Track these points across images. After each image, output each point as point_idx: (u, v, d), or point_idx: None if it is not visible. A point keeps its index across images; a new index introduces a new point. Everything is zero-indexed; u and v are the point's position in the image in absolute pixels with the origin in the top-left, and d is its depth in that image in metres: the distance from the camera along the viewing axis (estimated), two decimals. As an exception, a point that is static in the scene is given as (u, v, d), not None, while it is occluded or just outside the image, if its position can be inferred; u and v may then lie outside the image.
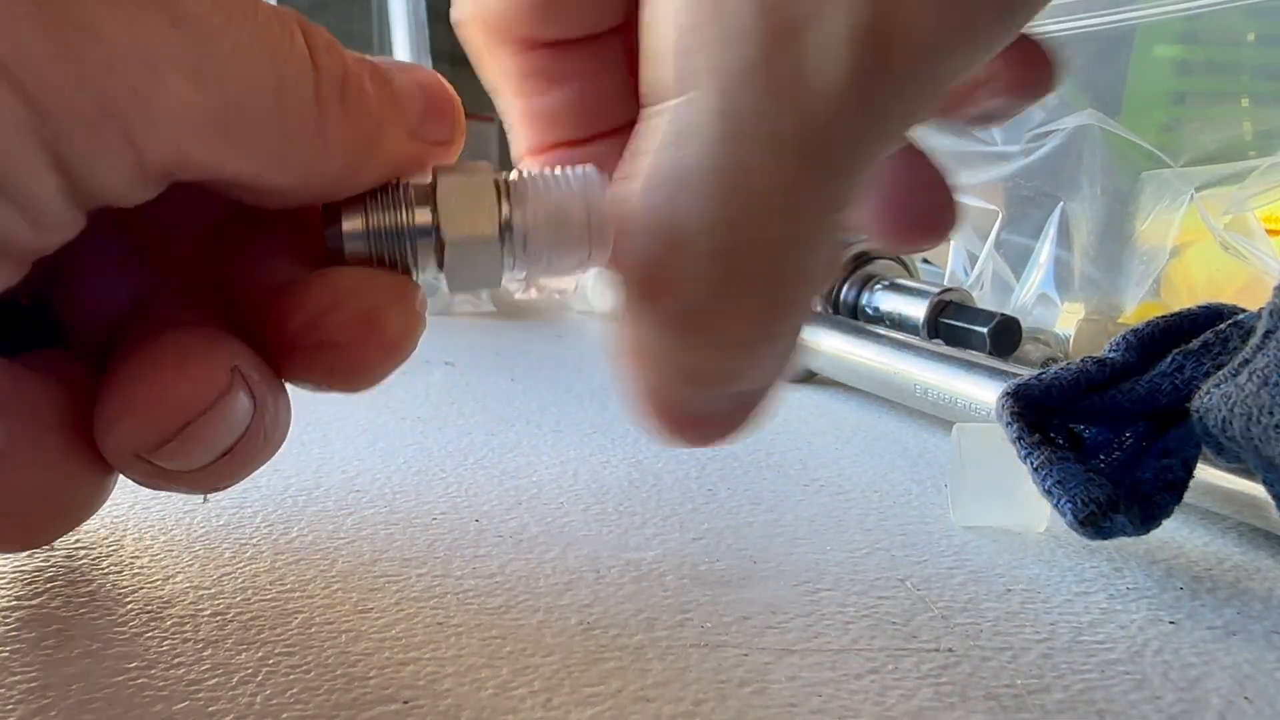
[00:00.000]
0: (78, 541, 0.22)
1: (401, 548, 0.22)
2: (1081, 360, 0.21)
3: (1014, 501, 0.23)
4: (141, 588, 0.20)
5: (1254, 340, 0.19)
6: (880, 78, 0.13)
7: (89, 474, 0.18)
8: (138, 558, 0.21)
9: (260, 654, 0.17)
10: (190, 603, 0.19)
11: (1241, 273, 0.31)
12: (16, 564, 0.20)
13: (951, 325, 0.34)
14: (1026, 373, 0.22)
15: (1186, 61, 0.35)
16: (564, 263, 0.19)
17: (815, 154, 0.14)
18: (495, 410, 0.34)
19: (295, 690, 0.16)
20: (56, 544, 0.22)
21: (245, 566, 0.21)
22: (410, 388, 0.37)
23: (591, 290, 0.55)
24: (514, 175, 0.19)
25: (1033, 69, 0.19)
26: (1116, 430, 0.22)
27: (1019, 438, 0.20)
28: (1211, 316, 0.21)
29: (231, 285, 0.20)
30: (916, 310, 0.35)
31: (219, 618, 0.18)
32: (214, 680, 0.16)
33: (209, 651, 0.17)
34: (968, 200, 0.38)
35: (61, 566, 0.20)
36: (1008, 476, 0.22)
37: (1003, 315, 0.33)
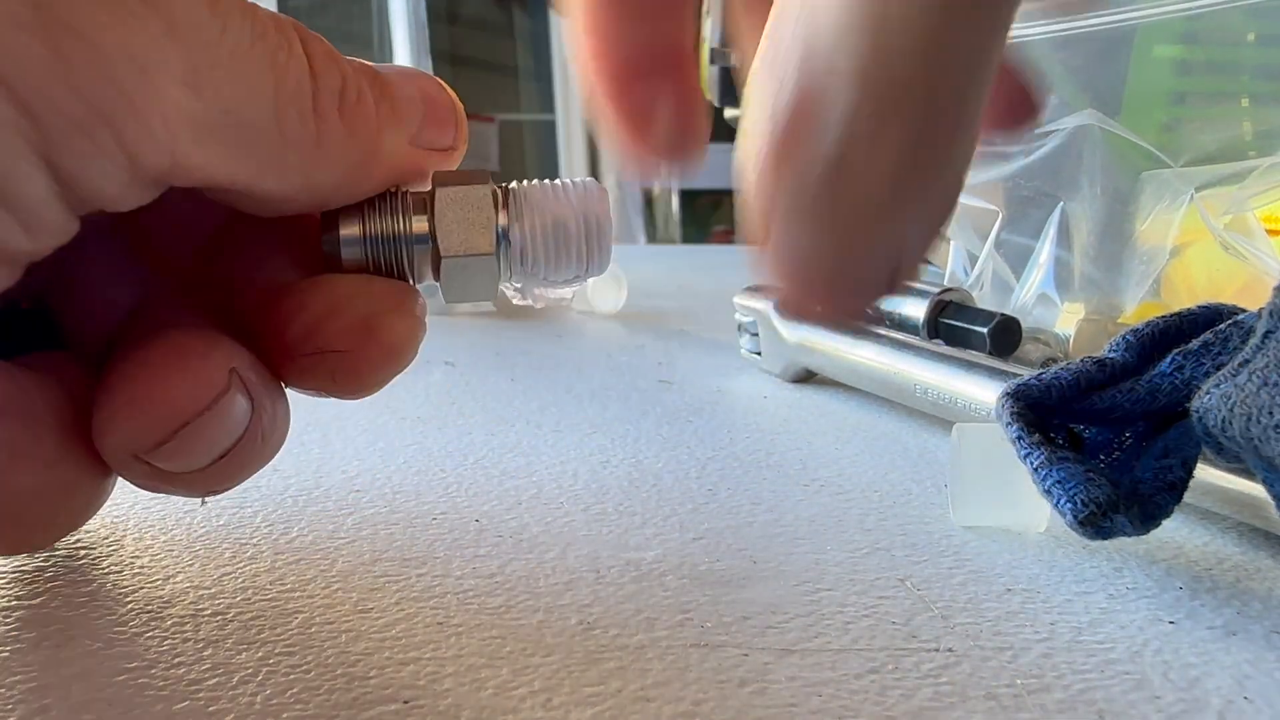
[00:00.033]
0: (78, 541, 0.22)
1: (401, 548, 0.22)
2: (1081, 360, 0.21)
3: (1014, 501, 0.23)
4: (141, 588, 0.20)
5: (1254, 340, 0.19)
6: None
7: (87, 477, 0.18)
8: (138, 558, 0.21)
9: (260, 654, 0.17)
10: (190, 603, 0.19)
11: (1241, 273, 0.31)
12: (16, 564, 0.20)
13: (951, 325, 0.34)
14: (1026, 373, 0.22)
15: (1186, 61, 0.35)
16: (561, 275, 0.19)
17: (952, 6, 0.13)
18: (495, 410, 0.34)
19: (295, 690, 0.16)
20: (56, 544, 0.22)
21: (245, 566, 0.21)
22: (410, 388, 0.37)
23: (592, 291, 0.55)
24: (514, 185, 0.19)
25: (1013, 102, 0.19)
26: (1116, 430, 0.22)
27: (1019, 438, 0.20)
28: (1211, 316, 0.21)
29: (231, 288, 0.20)
30: (916, 310, 0.35)
31: (219, 618, 0.18)
32: (214, 680, 0.16)
33: (209, 651, 0.17)
34: (967, 200, 0.38)
35: (61, 566, 0.20)
36: (1008, 476, 0.22)
37: (1003, 315, 0.33)
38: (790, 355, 0.38)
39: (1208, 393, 0.19)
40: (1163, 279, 0.34)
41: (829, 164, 0.14)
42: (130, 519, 0.23)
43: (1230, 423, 0.18)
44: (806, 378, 0.39)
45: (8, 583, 0.20)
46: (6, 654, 0.17)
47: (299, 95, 0.16)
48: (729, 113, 0.69)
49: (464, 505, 0.25)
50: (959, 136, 0.14)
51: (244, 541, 0.22)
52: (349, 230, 0.18)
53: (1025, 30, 0.34)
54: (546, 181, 0.19)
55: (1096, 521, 0.19)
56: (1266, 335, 0.19)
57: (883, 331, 0.34)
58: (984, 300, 0.38)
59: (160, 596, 0.19)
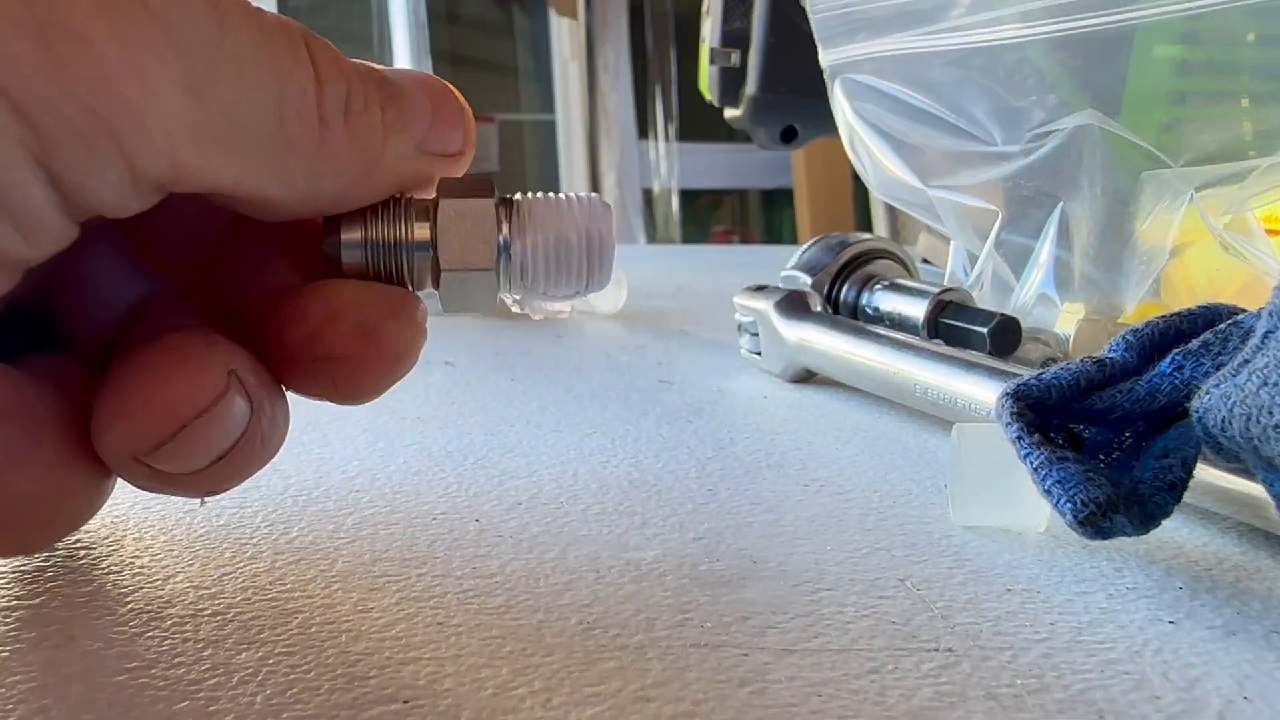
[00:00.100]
0: (78, 541, 0.22)
1: (401, 548, 0.22)
2: (1081, 360, 0.21)
3: (1014, 501, 0.23)
4: (141, 588, 0.20)
5: (1254, 340, 0.19)
6: None
7: (87, 479, 0.18)
8: (138, 558, 0.21)
9: (260, 654, 0.17)
10: (190, 603, 0.19)
11: (1241, 273, 0.31)
12: (16, 564, 0.20)
13: (951, 325, 0.34)
14: (1026, 373, 0.22)
15: (1186, 61, 0.35)
16: (561, 291, 0.19)
17: None
18: (495, 410, 0.34)
19: (295, 690, 0.16)
20: (56, 544, 0.22)
21: (245, 566, 0.21)
22: (410, 388, 0.37)
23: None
24: (518, 197, 0.19)
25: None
26: (1116, 430, 0.22)
27: (1019, 438, 0.20)
28: (1211, 316, 0.21)
29: (231, 290, 0.20)
30: (916, 310, 0.35)
31: (219, 618, 0.18)
32: (214, 680, 0.16)
33: (209, 651, 0.17)
34: (967, 200, 0.38)
35: (61, 566, 0.20)
36: (1008, 476, 0.22)
37: (1003, 315, 0.33)
38: (790, 355, 0.38)
39: (1208, 393, 0.19)
40: (1163, 279, 0.34)
41: None
42: (130, 519, 0.23)
43: (1230, 423, 0.18)
44: (806, 378, 0.39)
45: (8, 583, 0.20)
46: (6, 654, 0.17)
47: (303, 102, 0.16)
48: (729, 113, 0.69)
49: (464, 505, 0.25)
50: None
51: (244, 541, 0.22)
52: (350, 235, 0.18)
53: (1025, 30, 0.34)
54: (551, 195, 0.19)
55: (1096, 521, 0.19)
56: (1266, 335, 0.19)
57: (883, 331, 0.34)
58: (984, 300, 0.38)
59: (160, 596, 0.19)
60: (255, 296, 0.20)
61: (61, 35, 0.14)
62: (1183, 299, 0.34)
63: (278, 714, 0.15)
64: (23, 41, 0.13)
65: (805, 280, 0.39)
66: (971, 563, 0.21)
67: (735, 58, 0.67)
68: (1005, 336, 0.33)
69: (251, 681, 0.16)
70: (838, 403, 0.36)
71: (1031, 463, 0.20)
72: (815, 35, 0.44)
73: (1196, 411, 0.19)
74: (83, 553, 0.21)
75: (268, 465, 0.19)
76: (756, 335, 0.39)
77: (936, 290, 0.35)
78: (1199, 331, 0.21)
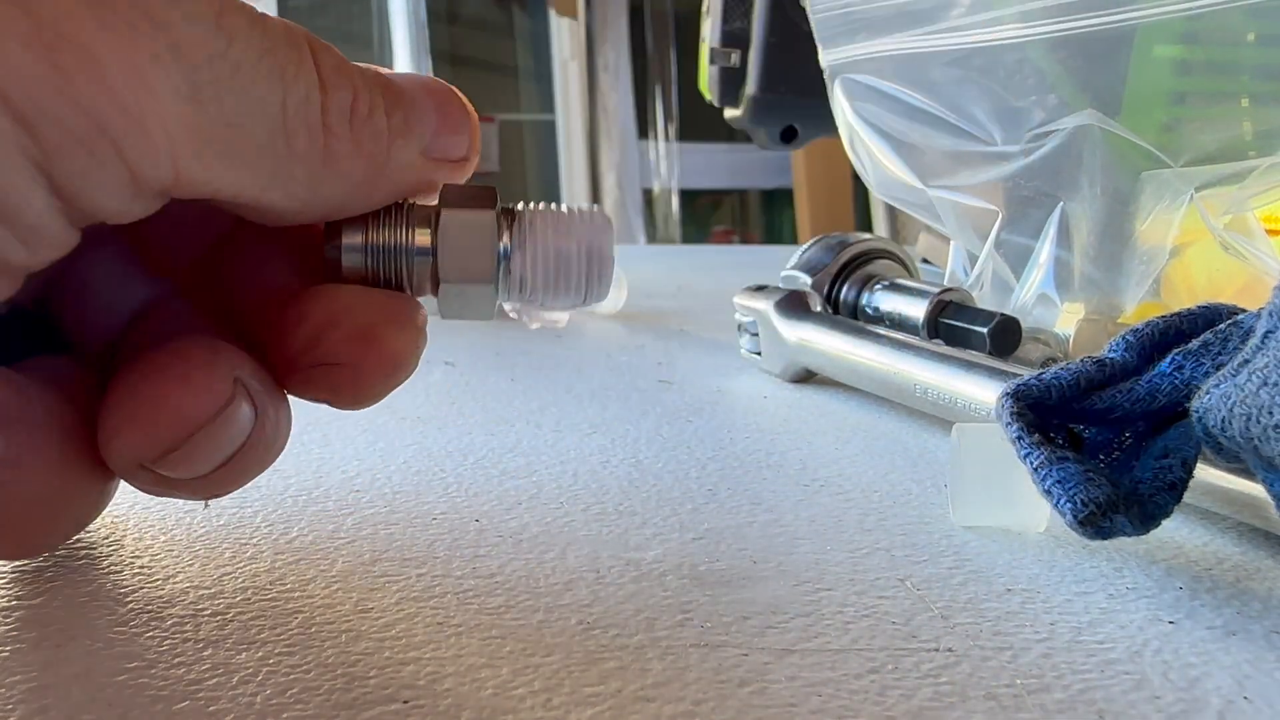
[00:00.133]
0: (78, 541, 0.22)
1: (401, 548, 0.22)
2: (1081, 360, 0.21)
3: (1014, 501, 0.23)
4: (141, 588, 0.20)
5: (1254, 340, 0.19)
6: None
7: (89, 482, 0.18)
8: (138, 558, 0.21)
9: (260, 654, 0.17)
10: (190, 603, 0.19)
11: (1241, 273, 0.31)
12: (16, 564, 0.20)
13: (951, 325, 0.34)
14: (1026, 373, 0.22)
15: (1186, 61, 0.35)
16: (559, 302, 0.19)
17: None
18: (495, 410, 0.34)
19: (295, 690, 0.16)
20: (56, 544, 0.22)
21: (245, 566, 0.21)
22: (410, 388, 0.37)
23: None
24: (520, 208, 0.19)
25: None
26: (1116, 430, 0.22)
27: (1019, 438, 0.20)
28: (1211, 316, 0.21)
29: (232, 292, 0.20)
30: (916, 310, 0.35)
31: (219, 618, 0.18)
32: (214, 680, 0.16)
33: (209, 651, 0.17)
34: (967, 200, 0.38)
35: (61, 566, 0.20)
36: (1008, 476, 0.22)
37: (1003, 315, 0.33)
38: (790, 355, 0.38)
39: (1208, 393, 0.19)
40: (1163, 279, 0.34)
41: None
42: (130, 519, 0.23)
43: (1230, 423, 0.18)
44: (806, 378, 0.39)
45: (8, 583, 0.20)
46: (6, 654, 0.17)
47: (307, 109, 0.16)
48: (729, 113, 0.69)
49: (464, 505, 0.25)
50: None
51: (244, 541, 0.22)
52: (351, 240, 0.18)
53: (1025, 30, 0.34)
54: (553, 207, 0.19)
55: (1096, 521, 0.19)
56: (1266, 335, 0.19)
57: (883, 331, 0.34)
58: (984, 300, 0.38)
59: (160, 596, 0.19)
60: (255, 299, 0.19)
61: (63, 42, 0.14)
62: (1183, 299, 0.34)
63: (278, 714, 0.15)
64: (24, 48, 0.13)
65: (805, 280, 0.39)
66: (971, 563, 0.21)
67: (735, 58, 0.67)
68: (1005, 336, 0.33)
69: (251, 681, 0.16)
70: (838, 403, 0.36)
71: (1031, 463, 0.20)
72: (815, 35, 0.44)
73: (1196, 411, 0.19)
74: (83, 553, 0.21)
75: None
76: (756, 335, 0.39)
77: (936, 290, 0.35)
78: (1199, 331, 0.21)
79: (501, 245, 0.19)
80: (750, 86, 0.66)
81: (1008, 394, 0.21)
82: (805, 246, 0.41)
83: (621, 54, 2.40)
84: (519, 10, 2.58)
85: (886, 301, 0.37)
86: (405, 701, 0.16)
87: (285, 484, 0.26)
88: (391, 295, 0.18)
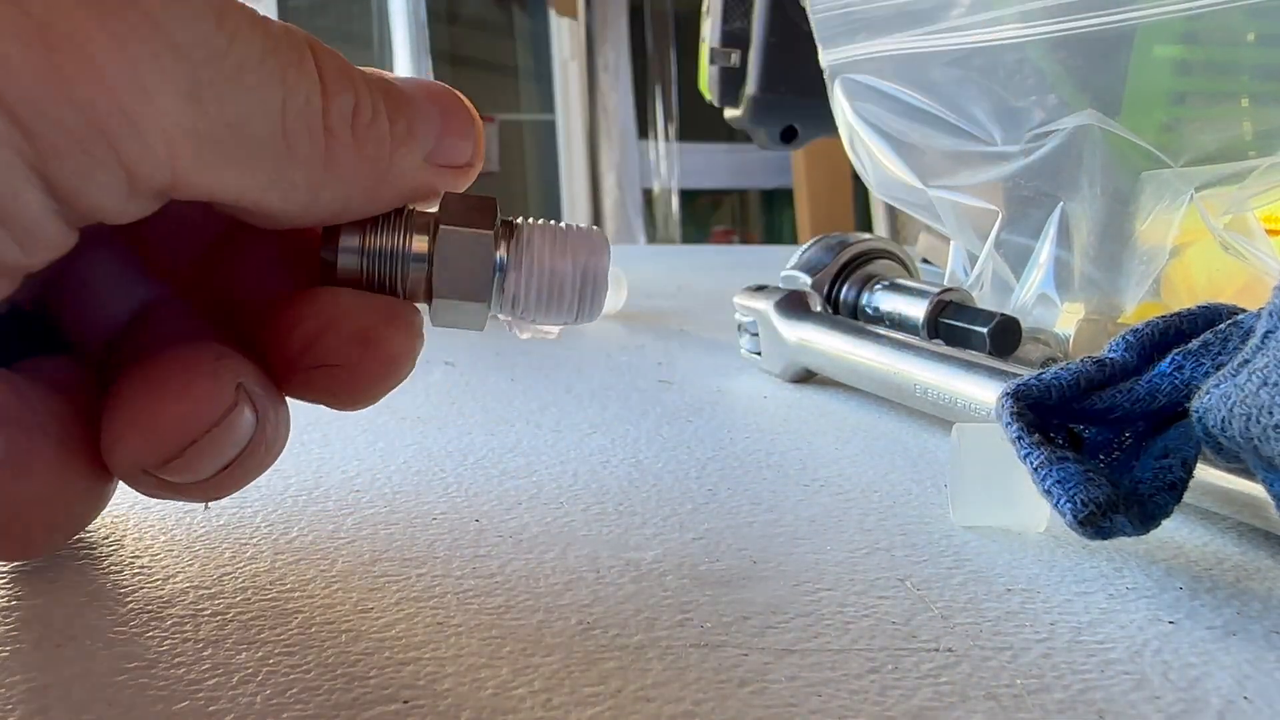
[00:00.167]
0: (78, 541, 0.22)
1: (401, 548, 0.22)
2: (1081, 360, 0.21)
3: (1014, 501, 0.23)
4: (141, 588, 0.20)
5: (1254, 340, 0.19)
6: None
7: (88, 483, 0.18)
8: (138, 558, 0.21)
9: (260, 654, 0.17)
10: (190, 603, 0.19)
11: (1241, 273, 0.31)
12: (16, 564, 0.20)
13: (951, 325, 0.34)
14: (1026, 373, 0.22)
15: (1186, 61, 0.35)
16: (550, 320, 0.19)
17: None
18: (495, 410, 0.34)
19: (295, 690, 0.16)
20: (56, 544, 0.22)
21: (245, 566, 0.21)
22: (410, 388, 0.37)
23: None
24: (519, 222, 0.19)
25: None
26: (1116, 430, 0.22)
27: (1019, 438, 0.20)
28: (1211, 316, 0.21)
29: (230, 293, 0.20)
30: (916, 310, 0.35)
31: (219, 618, 0.18)
32: (214, 680, 0.16)
33: (209, 651, 0.17)
34: (967, 200, 0.38)
35: (61, 567, 0.20)
36: (1008, 476, 0.22)
37: (1003, 315, 0.33)
38: (790, 355, 0.38)
39: (1208, 393, 0.19)
40: (1163, 279, 0.34)
41: None
42: (130, 519, 0.23)
43: (1230, 423, 0.18)
44: (806, 378, 0.39)
45: (8, 583, 0.20)
46: (6, 654, 0.17)
47: (308, 112, 0.16)
48: (729, 113, 0.69)
49: (464, 505, 0.25)
50: None
51: (244, 541, 0.22)
52: (349, 244, 0.18)
53: (1025, 30, 0.34)
54: (551, 224, 0.19)
55: (1096, 521, 0.19)
56: (1266, 335, 0.19)
57: (883, 331, 0.34)
58: (984, 300, 0.38)
59: (160, 596, 0.19)
60: (253, 301, 0.19)
61: (60, 41, 0.13)
62: (1183, 299, 0.34)
63: (278, 714, 0.15)
64: (20, 48, 0.13)
65: (805, 280, 0.39)
66: (971, 563, 0.21)
67: (735, 58, 0.67)
68: (1005, 336, 0.33)
69: (251, 681, 0.16)
70: (838, 403, 0.36)
71: (1031, 463, 0.20)
72: (815, 35, 0.44)
73: (1196, 411, 0.19)
74: (83, 553, 0.21)
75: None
76: (756, 335, 0.39)
77: (936, 290, 0.35)
78: (1199, 331, 0.21)
79: (498, 258, 0.19)
80: (750, 86, 0.66)
81: (1008, 394, 0.21)
82: (805, 246, 0.41)
83: (621, 54, 2.40)
84: (519, 10, 2.58)
85: (886, 301, 0.37)
86: (405, 701, 0.16)
87: (285, 484, 0.26)
88: (389, 298, 0.18)
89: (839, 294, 0.39)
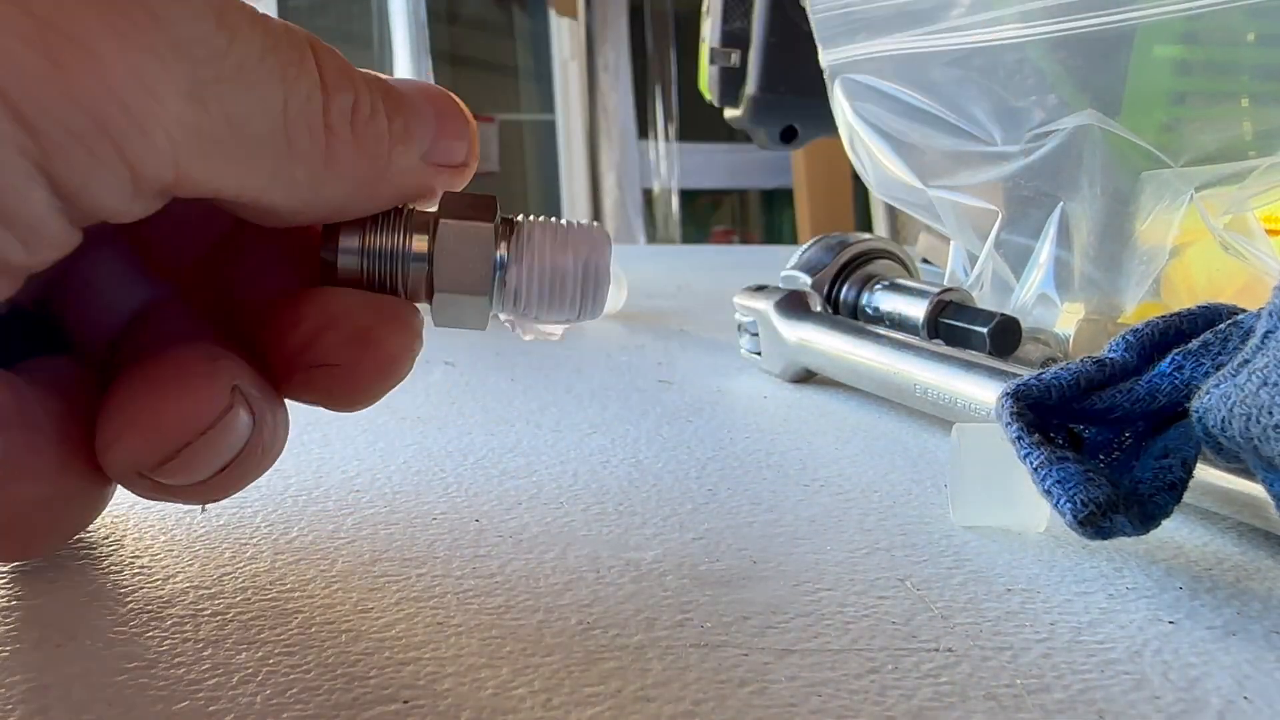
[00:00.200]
0: (78, 541, 0.22)
1: (401, 548, 0.22)
2: (1081, 360, 0.21)
3: (1014, 501, 0.23)
4: (141, 588, 0.20)
5: (1254, 340, 0.19)
6: None
7: (88, 485, 0.18)
8: (138, 558, 0.21)
9: (260, 654, 0.17)
10: (190, 603, 0.19)
11: (1241, 273, 0.31)
12: (16, 564, 0.20)
13: (951, 325, 0.34)
14: (1026, 373, 0.22)
15: (1186, 61, 0.35)
16: (553, 316, 0.19)
17: None
18: (495, 410, 0.34)
19: (295, 690, 0.16)
20: (56, 544, 0.22)
21: (245, 566, 0.21)
22: (410, 388, 0.37)
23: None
24: (519, 219, 0.19)
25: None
26: (1116, 430, 0.22)
27: (1019, 438, 0.20)
28: (1211, 316, 0.21)
29: (231, 293, 0.20)
30: (916, 310, 0.35)
31: (219, 618, 0.18)
32: (214, 680, 0.16)
33: (209, 651, 0.17)
34: (967, 200, 0.38)
35: (61, 567, 0.20)
36: (1008, 476, 0.22)
37: (1003, 315, 0.33)
38: (790, 355, 0.38)
39: (1207, 393, 0.19)
40: (1163, 279, 0.34)
41: None
42: (130, 519, 0.23)
43: (1230, 423, 0.18)
44: (806, 378, 0.39)
45: (8, 583, 0.20)
46: (6, 654, 0.17)
47: (309, 109, 0.16)
48: (729, 113, 0.69)
49: (464, 505, 0.25)
50: None
51: (244, 541, 0.22)
52: (348, 243, 0.18)
53: (1025, 30, 0.34)
54: (552, 221, 0.19)
55: (1096, 521, 0.19)
56: (1266, 335, 0.19)
57: (883, 331, 0.34)
58: (984, 300, 0.38)
59: (160, 596, 0.19)
60: (253, 301, 0.19)
61: (63, 41, 0.14)
62: (1183, 299, 0.34)
63: (278, 714, 0.15)
64: (24, 47, 0.13)
65: (805, 280, 0.39)
66: (971, 563, 0.21)
67: (735, 58, 0.67)
68: (1005, 336, 0.33)
69: (251, 681, 0.16)
70: (838, 403, 0.36)
71: (1031, 463, 0.20)
72: (815, 35, 0.44)
73: (1196, 411, 0.19)
74: (83, 553, 0.21)
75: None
76: (756, 335, 0.39)
77: (936, 290, 0.35)
78: (1199, 331, 0.21)
79: (498, 256, 0.19)
80: (750, 86, 0.66)
81: (1008, 394, 0.21)
82: (805, 246, 0.41)
83: (621, 54, 2.40)
84: (519, 10, 2.57)
85: (886, 301, 0.37)
86: (405, 701, 0.16)
87: (285, 484, 0.26)
88: (388, 298, 0.18)
89: (839, 294, 0.39)
